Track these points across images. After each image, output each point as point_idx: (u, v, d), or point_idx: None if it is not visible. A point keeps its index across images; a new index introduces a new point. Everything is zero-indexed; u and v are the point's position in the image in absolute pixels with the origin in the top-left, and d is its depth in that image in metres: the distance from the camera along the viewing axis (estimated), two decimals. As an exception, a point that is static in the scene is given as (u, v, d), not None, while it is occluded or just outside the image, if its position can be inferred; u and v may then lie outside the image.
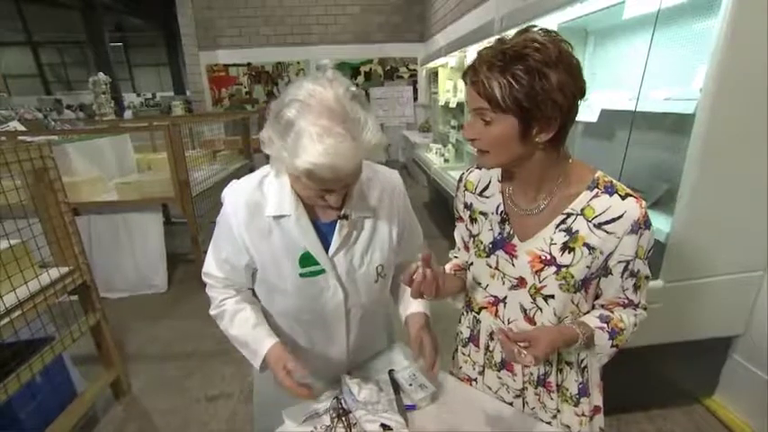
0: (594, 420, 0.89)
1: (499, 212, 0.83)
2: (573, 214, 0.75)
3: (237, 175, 4.06)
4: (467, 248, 0.94)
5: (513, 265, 0.81)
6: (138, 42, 16.74)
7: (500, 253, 0.83)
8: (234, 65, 6.74)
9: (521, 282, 0.81)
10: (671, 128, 1.61)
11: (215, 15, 6.50)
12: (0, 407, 1.37)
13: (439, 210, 4.09)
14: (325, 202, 0.78)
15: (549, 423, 0.87)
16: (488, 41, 2.69)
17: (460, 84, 3.72)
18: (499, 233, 0.83)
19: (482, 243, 0.86)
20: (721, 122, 1.27)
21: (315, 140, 0.66)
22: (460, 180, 0.92)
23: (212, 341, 2.34)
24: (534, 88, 0.63)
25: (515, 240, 0.80)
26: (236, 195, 0.85)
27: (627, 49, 1.88)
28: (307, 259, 0.85)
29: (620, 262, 0.74)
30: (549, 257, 0.76)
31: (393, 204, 0.92)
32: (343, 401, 0.90)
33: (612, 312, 0.80)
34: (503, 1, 3.36)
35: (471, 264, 0.91)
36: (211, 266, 0.92)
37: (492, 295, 0.87)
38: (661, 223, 1.48)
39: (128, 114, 6.19)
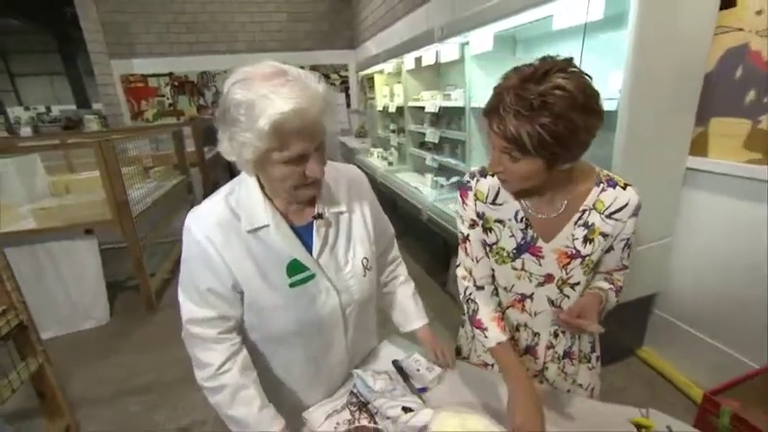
0: (597, 367, 1.05)
1: (519, 219, 0.88)
2: (587, 209, 0.84)
3: (176, 191, 3.81)
4: (487, 256, 0.95)
5: (539, 264, 0.89)
6: (20, 48, 14.54)
7: (526, 256, 0.89)
8: (153, 75, 6.25)
9: (548, 278, 0.90)
10: (603, 125, 1.88)
11: (128, 20, 5.98)
12: None
13: (389, 213, 4.21)
14: (307, 182, 0.75)
15: (568, 391, 1.00)
16: (426, 49, 2.85)
17: (397, 88, 3.88)
18: (522, 238, 0.88)
19: (504, 250, 0.91)
20: (638, 117, 1.53)
21: (270, 97, 0.65)
22: (467, 189, 0.92)
23: (174, 368, 2.17)
24: (561, 134, 0.67)
25: (540, 242, 0.87)
26: (203, 220, 0.79)
27: (560, 53, 2.14)
28: (294, 267, 0.83)
29: (622, 240, 0.87)
30: (574, 251, 0.86)
31: (362, 197, 0.94)
32: (358, 394, 0.94)
33: (612, 275, 0.94)
34: (434, 9, 3.60)
35: (493, 274, 0.96)
36: (193, 310, 0.80)
37: (519, 293, 0.95)
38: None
39: (26, 131, 5.41)
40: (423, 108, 3.16)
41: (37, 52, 14.24)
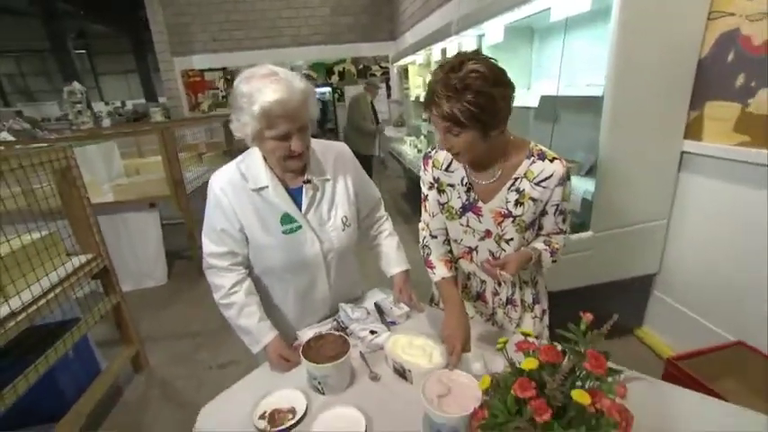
0: (543, 320, 1.23)
1: (464, 184, 1.07)
2: (519, 178, 1.02)
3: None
4: (441, 213, 1.15)
5: (480, 222, 1.09)
6: (102, 50, 16.24)
7: (469, 214, 1.10)
8: (209, 69, 6.88)
9: (487, 233, 1.10)
10: (594, 109, 1.97)
11: (187, 21, 6.62)
12: (44, 375, 1.59)
13: (415, 197, 4.42)
14: (291, 154, 0.98)
15: (513, 333, 1.18)
16: (450, 41, 3.00)
17: (428, 79, 4.04)
18: (467, 199, 1.08)
19: (453, 208, 1.11)
20: (622, 101, 1.63)
21: (262, 90, 0.91)
22: (428, 157, 1.12)
23: (216, 321, 2.57)
24: (483, 105, 0.85)
25: (480, 203, 1.07)
26: (220, 178, 1.07)
27: (561, 43, 2.23)
28: (286, 219, 1.08)
29: (553, 205, 1.04)
30: (507, 212, 1.05)
31: (346, 168, 1.17)
32: (341, 322, 1.20)
33: (550, 238, 1.11)
34: (466, 1, 3.71)
35: (446, 228, 1.17)
36: (211, 246, 1.08)
37: (466, 246, 1.16)
38: (590, 186, 1.84)
39: (106, 123, 6.25)
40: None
41: (114, 53, 15.90)
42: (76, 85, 6.29)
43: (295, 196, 1.11)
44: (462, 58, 0.88)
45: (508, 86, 0.90)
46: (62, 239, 1.78)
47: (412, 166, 3.86)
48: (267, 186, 1.07)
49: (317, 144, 1.15)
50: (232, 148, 4.53)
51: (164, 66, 6.75)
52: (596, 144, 1.77)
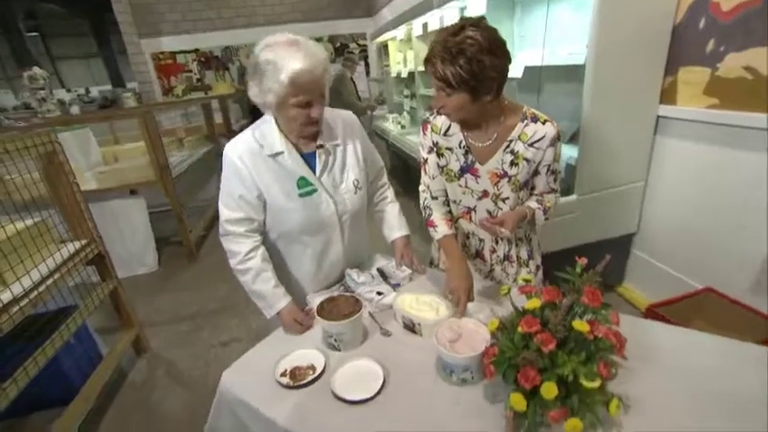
0: (537, 275, 1.32)
1: (462, 147, 1.13)
2: (513, 140, 1.08)
3: (207, 158, 4.22)
4: (441, 175, 1.21)
5: (477, 182, 1.16)
6: (57, 32, 15.00)
7: (467, 176, 1.17)
8: (181, 52, 6.61)
9: (484, 193, 1.17)
10: (575, 78, 2.04)
11: (153, 0, 6.31)
12: (50, 361, 1.60)
13: (400, 172, 4.44)
14: (310, 121, 1.04)
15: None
16: (431, 14, 3.00)
17: (410, 55, 4.04)
18: (465, 162, 1.15)
19: (452, 171, 1.18)
20: (603, 69, 1.70)
21: (288, 58, 0.95)
22: (427, 123, 1.18)
23: (214, 301, 2.63)
24: (474, 71, 0.90)
25: (477, 165, 1.14)
26: (237, 146, 1.11)
27: (544, 13, 2.28)
28: (302, 183, 1.14)
29: (545, 166, 1.11)
30: (502, 172, 1.12)
31: (354, 135, 1.23)
32: (347, 287, 1.26)
33: (543, 197, 1.18)
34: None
35: (446, 190, 1.24)
36: (228, 213, 1.12)
37: (465, 207, 1.23)
38: (574, 152, 1.93)
39: (75, 110, 5.96)
40: (430, 72, 3.32)
41: (73, 35, 14.75)
42: (38, 70, 5.92)
43: (309, 161, 1.15)
44: (464, 23, 0.93)
45: (503, 57, 0.94)
46: (54, 225, 1.76)
47: (396, 141, 3.88)
48: (283, 152, 1.11)
49: (327, 111, 1.19)
50: (214, 132, 4.44)
51: (131, 48, 6.43)
52: (578, 112, 1.86)
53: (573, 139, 2.15)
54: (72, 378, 1.82)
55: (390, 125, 4.60)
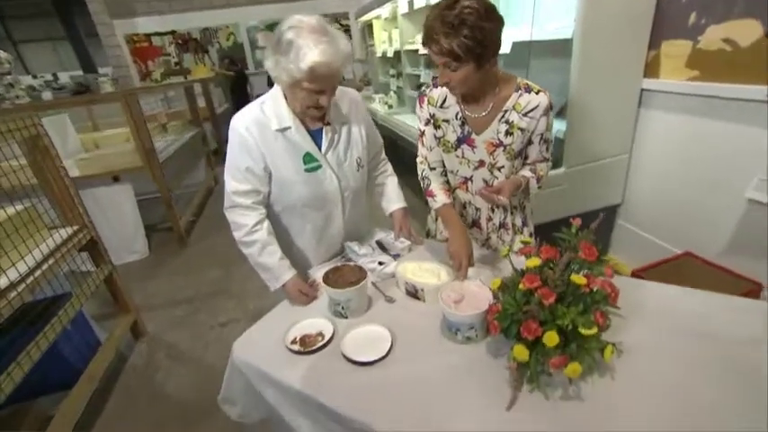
0: (531, 242, 1.35)
1: (458, 118, 1.17)
2: (508, 110, 1.12)
3: (193, 143, 4.14)
4: (438, 146, 1.25)
5: (474, 152, 1.19)
6: (15, 13, 14.00)
7: (464, 146, 1.20)
8: (156, 34, 6.37)
9: (480, 163, 1.21)
10: (562, 53, 2.07)
11: (124, -22, 6.03)
12: (50, 347, 1.60)
13: (389, 152, 4.47)
14: (317, 106, 1.05)
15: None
16: (416, -10, 2.94)
17: (395, 34, 3.99)
18: (461, 133, 1.18)
19: (449, 142, 1.22)
20: (590, 43, 1.74)
21: (312, 47, 0.95)
22: (423, 96, 1.21)
23: (208, 285, 2.64)
24: (478, 39, 0.93)
25: (473, 136, 1.18)
26: (245, 118, 1.11)
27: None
28: (308, 158, 1.16)
29: (538, 135, 1.16)
30: (498, 142, 1.16)
31: (359, 112, 1.25)
32: (348, 259, 1.30)
33: (536, 166, 1.22)
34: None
35: (443, 161, 1.27)
36: (235, 185, 1.13)
37: (462, 177, 1.27)
38: (562, 126, 1.98)
39: (47, 96, 5.71)
40: (417, 51, 3.31)
41: (36, 16, 13.80)
42: (2, 54, 5.64)
43: (315, 137, 1.17)
44: None
45: (499, 21, 0.98)
46: (45, 211, 1.73)
47: (384, 122, 3.87)
48: (290, 127, 1.12)
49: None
50: (198, 116, 4.34)
51: (102, 30, 6.16)
52: (566, 86, 1.90)
53: (561, 113, 2.20)
54: (73, 363, 1.81)
55: (377, 105, 4.57)
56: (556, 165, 2.00)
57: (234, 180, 1.15)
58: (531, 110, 1.11)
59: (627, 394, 0.78)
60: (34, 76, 13.70)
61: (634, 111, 2.01)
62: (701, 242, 1.83)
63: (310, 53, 0.95)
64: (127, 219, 3.02)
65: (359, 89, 4.86)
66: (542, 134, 1.16)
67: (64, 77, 12.33)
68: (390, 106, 4.23)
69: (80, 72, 12.06)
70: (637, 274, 1.68)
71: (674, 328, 0.92)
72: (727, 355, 0.84)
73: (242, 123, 1.11)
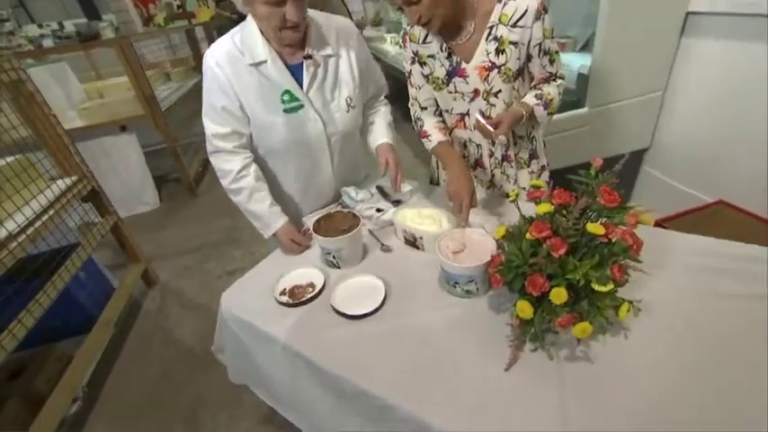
0: (542, 176, 1.23)
1: (444, 50, 1.04)
2: (494, 25, 0.98)
3: (198, 90, 3.98)
4: (427, 83, 1.12)
5: (467, 83, 1.05)
6: None
7: (456, 79, 1.06)
8: (155, -29, 5.97)
9: (475, 93, 1.06)
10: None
11: None
12: (65, 295, 1.61)
13: (400, 98, 4.23)
14: (288, 25, 0.91)
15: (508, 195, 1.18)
16: None
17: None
18: (450, 65, 1.05)
19: (438, 78, 1.08)
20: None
21: None
22: (405, 34, 1.10)
23: (218, 233, 2.64)
24: None
25: (463, 65, 1.03)
26: (215, 52, 0.99)
27: None
28: (288, 97, 1.02)
29: (535, 45, 0.99)
30: (490, 64, 1.01)
31: (350, 46, 1.08)
32: (345, 206, 1.21)
33: (542, 90, 1.05)
34: None
35: (435, 99, 1.14)
36: (214, 127, 1.03)
37: (458, 114, 1.13)
38: (587, 61, 1.75)
39: (48, 43, 5.56)
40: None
41: None
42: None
43: (295, 73, 1.03)
44: None
45: None
46: (38, 161, 1.68)
47: (395, 62, 3.61)
48: (265, 61, 0.99)
49: (319, 15, 1.05)
50: (201, 63, 4.15)
51: (101, -29, 5.82)
52: (592, 17, 1.65)
53: (585, 47, 1.96)
54: (90, 309, 1.87)
55: (388, 46, 4.25)
56: (578, 104, 1.80)
57: (212, 122, 1.04)
58: (520, 17, 0.96)
59: (641, 356, 0.70)
60: (40, 26, 13.53)
61: (675, 40, 1.75)
62: (737, 190, 1.65)
63: None
64: (134, 169, 2.99)
65: (362, 27, 4.50)
66: (540, 43, 0.99)
67: (70, 26, 12.15)
68: (402, 46, 3.93)
69: (84, 20, 11.82)
70: (660, 224, 1.55)
71: (702, 285, 0.82)
72: (757, 313, 0.73)
73: (213, 57, 0.99)
